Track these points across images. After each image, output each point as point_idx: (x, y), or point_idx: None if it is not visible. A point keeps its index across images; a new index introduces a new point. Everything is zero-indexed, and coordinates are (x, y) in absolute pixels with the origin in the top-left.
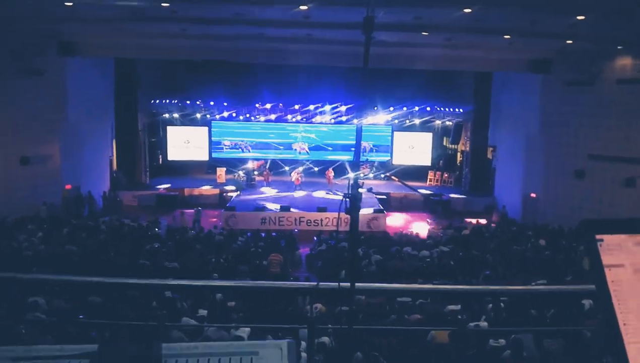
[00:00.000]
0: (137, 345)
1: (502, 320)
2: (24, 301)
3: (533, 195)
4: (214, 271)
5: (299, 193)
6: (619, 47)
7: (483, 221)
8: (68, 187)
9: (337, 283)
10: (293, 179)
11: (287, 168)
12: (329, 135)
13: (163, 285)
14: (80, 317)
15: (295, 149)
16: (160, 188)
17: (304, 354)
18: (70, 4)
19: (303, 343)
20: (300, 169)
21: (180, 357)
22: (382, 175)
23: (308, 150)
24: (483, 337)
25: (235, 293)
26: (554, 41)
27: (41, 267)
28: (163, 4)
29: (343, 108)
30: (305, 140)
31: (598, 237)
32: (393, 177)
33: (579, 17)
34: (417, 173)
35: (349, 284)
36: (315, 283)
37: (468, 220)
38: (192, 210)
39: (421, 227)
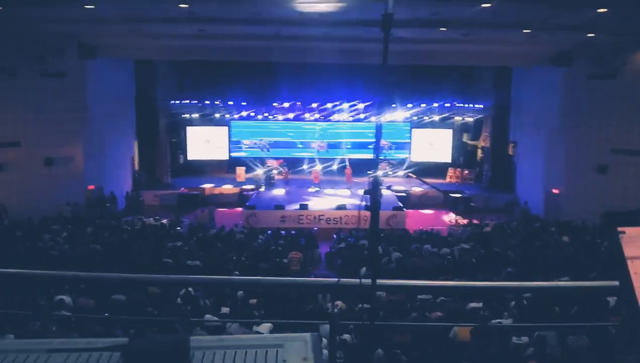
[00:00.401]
0: (166, 338)
1: (524, 318)
2: (51, 299)
3: (555, 190)
4: (235, 269)
5: (319, 191)
6: None
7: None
8: (91, 187)
9: (358, 280)
10: (312, 177)
11: (305, 166)
12: (347, 133)
13: (186, 281)
14: (106, 314)
15: (314, 148)
16: (183, 188)
17: (325, 351)
18: (92, 6)
19: (324, 340)
20: (319, 167)
21: (208, 350)
22: (402, 173)
23: (327, 149)
24: (505, 334)
25: (256, 291)
26: (576, 34)
27: (66, 266)
28: (181, 5)
29: (361, 105)
30: (324, 138)
31: (620, 229)
32: (411, 174)
33: (601, 10)
34: (436, 170)
35: (370, 280)
36: (336, 279)
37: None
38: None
39: (441, 224)
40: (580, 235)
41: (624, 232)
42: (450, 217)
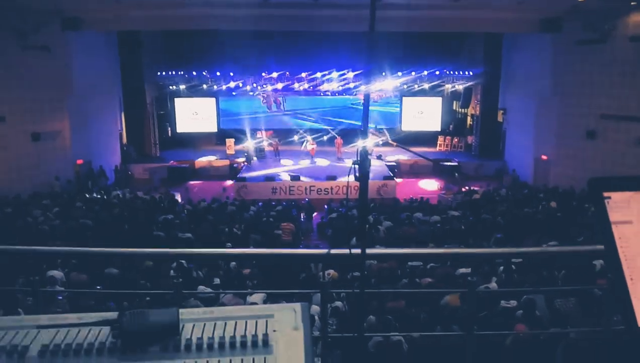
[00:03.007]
0: (156, 311)
1: (513, 282)
2: (42, 275)
3: (544, 157)
4: (227, 241)
5: (315, 163)
6: (632, 3)
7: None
8: (79, 162)
9: (348, 250)
10: (309, 150)
11: (296, 137)
12: (337, 103)
13: (179, 254)
14: (98, 287)
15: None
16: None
17: (316, 318)
18: None
19: (316, 308)
20: (310, 138)
21: (198, 322)
22: (389, 141)
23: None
24: (494, 298)
25: (249, 262)
26: None
27: (57, 241)
28: None
29: (351, 75)
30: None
31: (606, 194)
32: (391, 141)
33: None
34: (426, 138)
35: (359, 250)
36: (327, 250)
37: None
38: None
39: (431, 193)
40: (568, 201)
41: (609, 198)
42: (440, 185)
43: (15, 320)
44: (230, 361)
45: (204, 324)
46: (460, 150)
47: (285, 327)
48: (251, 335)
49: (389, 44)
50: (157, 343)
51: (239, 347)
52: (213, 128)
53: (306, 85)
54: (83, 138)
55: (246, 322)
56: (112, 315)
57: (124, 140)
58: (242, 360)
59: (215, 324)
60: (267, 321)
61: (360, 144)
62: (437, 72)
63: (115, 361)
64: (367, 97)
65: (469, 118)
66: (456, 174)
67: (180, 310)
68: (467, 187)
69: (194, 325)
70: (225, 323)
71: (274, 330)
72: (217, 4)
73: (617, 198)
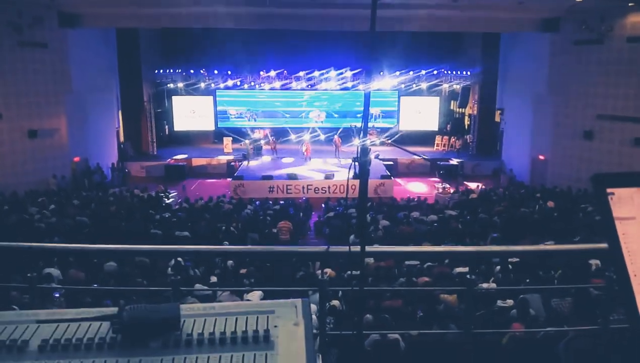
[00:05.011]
0: (156, 306)
1: (510, 281)
2: (39, 272)
3: (541, 157)
4: (224, 239)
5: (310, 163)
6: (630, 4)
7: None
8: (76, 159)
9: (347, 247)
10: (303, 150)
11: (293, 136)
12: (335, 102)
13: (176, 251)
14: (94, 285)
15: (312, 118)
16: (169, 160)
17: (314, 317)
18: None
19: (313, 307)
20: (307, 137)
21: (198, 317)
22: (387, 140)
23: (324, 120)
24: (491, 297)
25: (246, 260)
26: None
27: (53, 238)
28: None
29: (349, 73)
30: (320, 108)
31: (609, 190)
32: (385, 140)
33: None
34: (424, 138)
35: (359, 247)
36: (326, 247)
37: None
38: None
39: (428, 192)
40: (565, 201)
41: (613, 194)
42: (437, 185)
43: (14, 314)
44: (232, 356)
45: (205, 320)
46: (458, 150)
47: (286, 323)
48: (252, 330)
49: (387, 43)
50: (158, 338)
51: (240, 342)
52: (210, 126)
53: (304, 84)
54: (80, 135)
55: (247, 318)
56: (112, 310)
57: (121, 138)
58: (243, 355)
59: (216, 320)
60: (268, 317)
61: (359, 141)
62: (435, 72)
63: (115, 356)
64: (367, 96)
65: (466, 118)
66: (459, 178)
67: (181, 306)
68: (464, 187)
69: (194, 321)
70: (226, 319)
71: (275, 326)
72: (214, 2)
73: (620, 194)
